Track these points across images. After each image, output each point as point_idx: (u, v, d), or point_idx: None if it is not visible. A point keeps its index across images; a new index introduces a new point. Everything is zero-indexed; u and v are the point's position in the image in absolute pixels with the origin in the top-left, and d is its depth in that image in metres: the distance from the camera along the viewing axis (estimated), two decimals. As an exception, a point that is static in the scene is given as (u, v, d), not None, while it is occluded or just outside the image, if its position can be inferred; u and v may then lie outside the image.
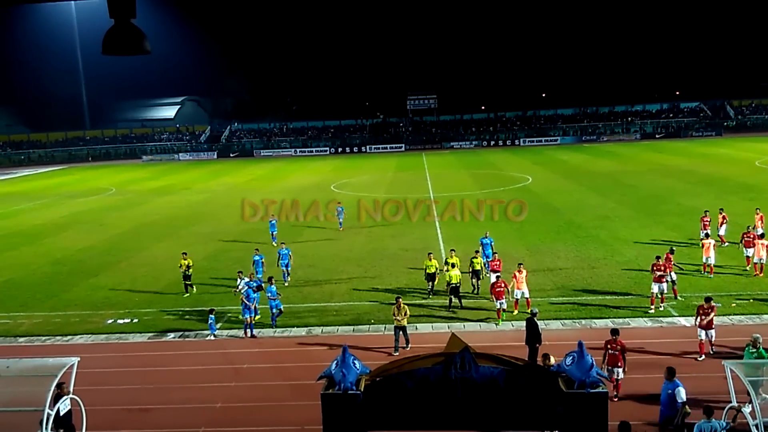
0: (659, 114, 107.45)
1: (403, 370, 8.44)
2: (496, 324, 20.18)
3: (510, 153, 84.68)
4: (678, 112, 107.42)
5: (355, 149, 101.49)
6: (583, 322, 20.29)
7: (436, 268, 22.97)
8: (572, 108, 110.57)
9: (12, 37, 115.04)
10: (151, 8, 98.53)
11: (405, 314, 18.36)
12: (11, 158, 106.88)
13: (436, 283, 22.97)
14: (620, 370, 14.71)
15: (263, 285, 22.30)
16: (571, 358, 8.21)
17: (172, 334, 20.87)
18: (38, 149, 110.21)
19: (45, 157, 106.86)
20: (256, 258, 25.29)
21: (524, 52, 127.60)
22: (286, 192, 53.81)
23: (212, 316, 20.41)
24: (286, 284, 25.08)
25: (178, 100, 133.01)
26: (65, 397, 12.62)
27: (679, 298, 21.53)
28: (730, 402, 11.18)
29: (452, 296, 21.84)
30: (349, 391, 8.11)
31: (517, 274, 21.12)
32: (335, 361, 8.48)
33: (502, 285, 20.36)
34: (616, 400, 14.27)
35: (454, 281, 21.60)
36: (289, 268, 25.70)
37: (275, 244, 31.22)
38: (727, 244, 27.65)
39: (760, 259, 23.56)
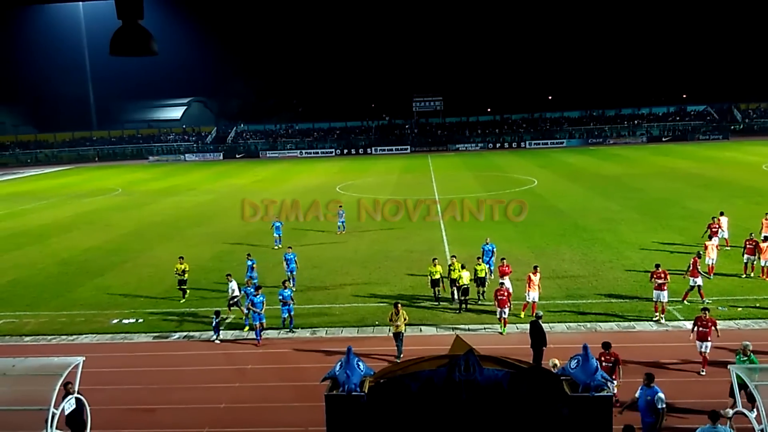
0: (666, 117, 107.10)
1: (407, 372, 8.43)
2: (501, 333, 19.73)
3: (516, 155, 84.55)
4: (685, 115, 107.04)
5: (361, 151, 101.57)
6: (588, 325, 20.23)
7: (441, 274, 22.53)
8: (578, 111, 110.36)
9: (20, 37, 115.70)
10: (159, 9, 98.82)
11: (404, 320, 17.98)
12: (18, 158, 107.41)
13: (441, 289, 22.64)
14: (613, 384, 14.32)
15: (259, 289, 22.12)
16: (576, 361, 8.19)
17: (176, 335, 20.92)
18: (45, 149, 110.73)
19: (52, 157, 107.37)
20: (249, 263, 24.76)
21: (530, 54, 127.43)
22: (292, 194, 53.86)
23: (216, 318, 20.22)
24: (293, 289, 24.91)
25: (185, 101, 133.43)
26: (70, 397, 12.66)
27: (706, 301, 21.19)
28: (735, 407, 11.12)
29: (462, 296, 21.85)
30: (353, 393, 8.11)
31: (532, 276, 21.05)
32: (339, 363, 8.48)
33: (505, 293, 19.78)
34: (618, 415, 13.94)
35: (463, 282, 21.70)
36: (295, 273, 25.28)
37: (278, 247, 31.07)
38: (729, 247, 27.58)
39: (766, 262, 23.53)
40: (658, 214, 37.03)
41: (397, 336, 17.90)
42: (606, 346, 14.72)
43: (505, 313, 19.64)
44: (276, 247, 31.47)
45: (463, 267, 22.11)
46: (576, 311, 21.29)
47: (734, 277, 23.79)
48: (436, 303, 22.56)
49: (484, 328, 20.25)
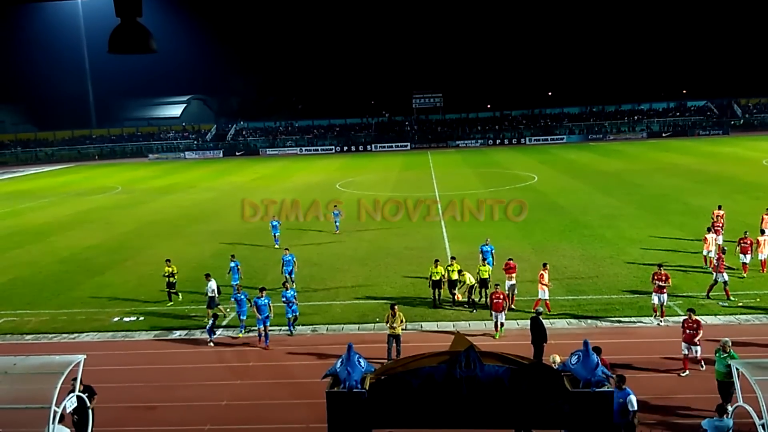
0: (666, 112, 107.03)
1: (408, 368, 8.44)
2: (495, 337, 19.04)
3: (516, 152, 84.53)
4: (685, 110, 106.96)
5: (361, 148, 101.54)
6: (589, 321, 20.25)
7: (442, 276, 22.02)
8: (578, 106, 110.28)
9: (19, 36, 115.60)
10: (158, 7, 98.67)
11: (401, 321, 17.65)
12: (18, 156, 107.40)
13: (442, 291, 22.22)
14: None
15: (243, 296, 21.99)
16: (576, 357, 8.19)
17: (177, 332, 20.94)
18: (45, 147, 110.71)
19: (52, 156, 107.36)
20: (232, 264, 24.11)
21: (530, 50, 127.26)
22: (292, 191, 53.87)
23: (212, 320, 19.82)
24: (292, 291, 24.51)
25: (184, 98, 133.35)
26: (71, 395, 12.67)
27: (732, 298, 21.12)
28: (737, 401, 11.13)
29: (468, 297, 21.77)
30: (354, 390, 8.11)
31: (544, 273, 21.02)
32: (340, 360, 8.48)
33: (501, 296, 18.99)
34: None
35: (468, 281, 21.69)
36: (293, 275, 24.54)
37: (277, 247, 30.96)
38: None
39: (763, 255, 23.93)
40: (658, 210, 37.03)
41: (395, 338, 17.48)
42: (597, 351, 14.40)
43: (501, 317, 18.94)
44: (276, 246, 31.33)
45: (461, 272, 21.92)
46: (576, 307, 21.30)
47: (734, 271, 23.71)
48: (437, 305, 22.05)
49: (485, 324, 20.24)
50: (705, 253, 24.86)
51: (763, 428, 10.06)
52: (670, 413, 14.08)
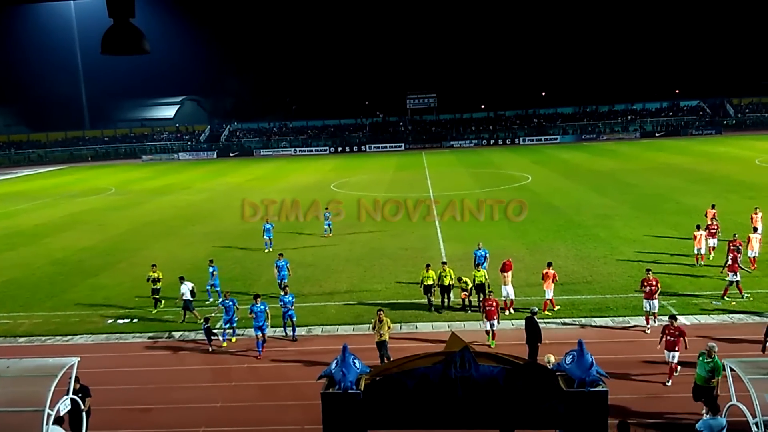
0: (659, 112, 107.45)
1: (403, 369, 8.44)
2: (489, 346, 18.29)
3: (510, 152, 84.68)
4: (678, 110, 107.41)
5: (355, 148, 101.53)
6: (583, 321, 20.29)
7: (434, 281, 21.64)
8: (572, 107, 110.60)
9: (12, 37, 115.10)
10: (151, 8, 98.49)
11: (388, 328, 17.21)
12: (11, 158, 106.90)
13: (434, 295, 21.83)
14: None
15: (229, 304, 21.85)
16: (571, 356, 8.21)
17: (172, 335, 20.85)
18: (38, 149, 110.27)
19: (45, 157, 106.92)
20: (210, 269, 23.70)
21: (524, 50, 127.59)
22: (287, 192, 53.81)
23: (206, 325, 19.31)
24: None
25: (178, 99, 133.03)
26: (65, 397, 12.62)
27: (746, 296, 21.13)
28: (731, 400, 11.18)
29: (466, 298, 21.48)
30: (350, 391, 8.11)
31: (547, 272, 21.05)
32: (335, 361, 8.48)
33: (494, 303, 18.45)
34: None
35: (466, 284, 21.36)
36: (287, 281, 23.42)
37: (269, 250, 30.47)
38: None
39: (754, 253, 24.27)
40: (652, 210, 37.17)
41: (381, 345, 17.04)
42: None
43: (494, 325, 18.41)
44: (267, 250, 30.78)
45: (460, 279, 21.48)
46: (571, 307, 21.35)
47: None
48: (443, 306, 21.73)
49: (480, 324, 20.24)
50: (696, 250, 25.30)
51: (757, 426, 10.11)
52: (664, 412, 14.12)
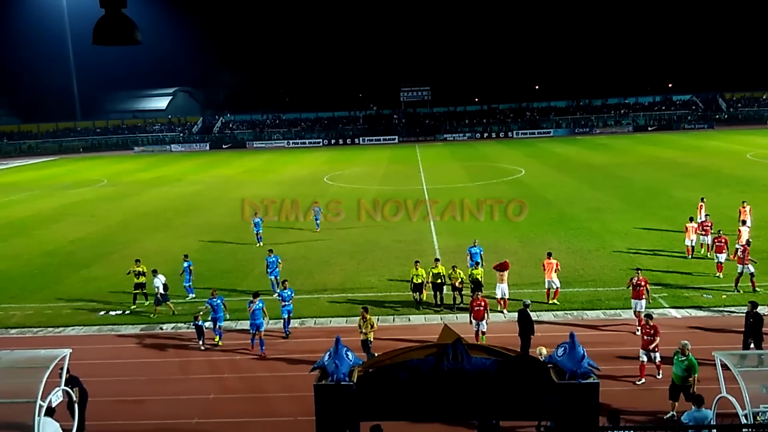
0: (652, 106, 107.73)
1: (395, 361, 8.45)
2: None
3: (503, 145, 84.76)
4: (670, 104, 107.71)
5: (349, 141, 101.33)
6: (575, 313, 20.40)
7: (423, 279, 21.13)
8: (565, 100, 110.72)
9: (2, 27, 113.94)
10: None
11: (372, 327, 16.98)
12: (2, 149, 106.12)
13: (425, 295, 21.37)
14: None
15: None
16: (562, 349, 8.23)
17: (164, 326, 20.84)
18: (29, 140, 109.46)
19: (36, 148, 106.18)
20: (185, 265, 23.33)
21: (518, 44, 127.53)
22: (280, 184, 53.73)
23: (195, 322, 18.93)
24: (275, 295, 22.22)
25: (170, 91, 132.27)
26: (57, 389, 12.59)
27: (757, 290, 21.14)
28: (720, 393, 11.27)
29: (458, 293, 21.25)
30: (342, 383, 8.12)
31: (545, 263, 21.10)
32: (328, 353, 8.47)
33: (482, 304, 18.00)
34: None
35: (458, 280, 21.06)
36: (278, 277, 23.16)
37: (260, 245, 30.11)
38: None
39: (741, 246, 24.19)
40: (644, 204, 37.33)
41: (364, 344, 16.80)
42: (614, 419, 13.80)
43: (482, 326, 17.96)
44: (258, 245, 30.42)
45: (455, 268, 21.15)
46: (563, 299, 21.44)
47: (719, 265, 23.92)
48: (420, 308, 21.23)
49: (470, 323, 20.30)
50: (687, 242, 25.61)
51: (746, 418, 10.20)
52: (654, 404, 14.22)
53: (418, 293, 21.28)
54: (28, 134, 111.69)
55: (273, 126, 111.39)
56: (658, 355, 15.28)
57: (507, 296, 20.61)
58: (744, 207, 28.16)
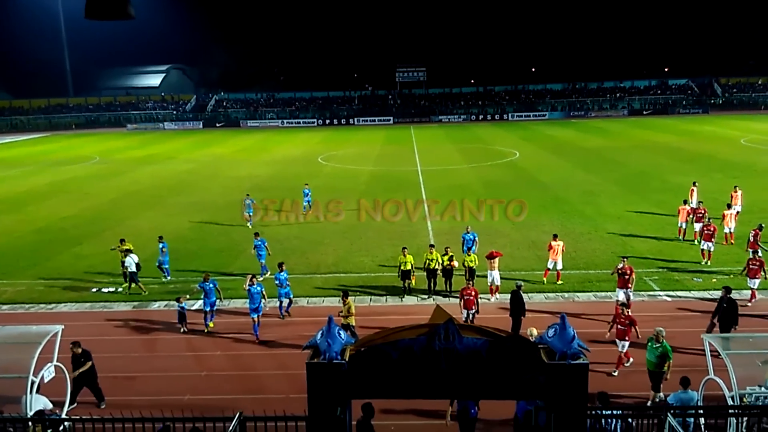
0: (647, 90, 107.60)
1: (387, 340, 8.50)
2: None
3: (498, 127, 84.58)
4: (666, 88, 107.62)
5: (343, 121, 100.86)
6: (566, 295, 20.53)
7: (412, 266, 20.68)
8: (561, 83, 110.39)
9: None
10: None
11: (349, 312, 16.63)
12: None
13: (412, 281, 20.93)
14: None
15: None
16: (553, 330, 8.29)
17: (156, 304, 20.85)
18: (20, 116, 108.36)
19: (27, 124, 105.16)
20: (160, 246, 22.99)
21: (515, 26, 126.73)
22: (273, 164, 53.55)
23: (179, 305, 18.50)
24: (262, 277, 22.41)
25: (164, 68, 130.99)
26: (49, 365, 12.63)
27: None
28: (708, 374, 11.42)
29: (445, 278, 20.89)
30: (334, 361, 8.17)
31: (552, 244, 21.24)
32: (321, 332, 8.51)
33: (472, 293, 17.61)
34: None
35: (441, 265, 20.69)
36: (264, 261, 22.89)
37: (250, 227, 29.66)
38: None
39: (730, 229, 24.97)
40: (637, 188, 37.43)
41: (345, 329, 16.62)
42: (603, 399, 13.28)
43: (472, 315, 17.55)
44: (249, 226, 29.88)
45: (451, 258, 20.65)
46: (554, 281, 21.56)
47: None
48: (405, 295, 20.74)
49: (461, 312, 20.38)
50: (679, 224, 26.02)
51: (733, 400, 10.35)
52: (642, 385, 14.37)
53: (406, 281, 20.79)
54: (20, 110, 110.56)
55: (267, 105, 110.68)
56: (626, 344, 15.16)
57: (498, 283, 20.23)
58: (735, 192, 28.42)
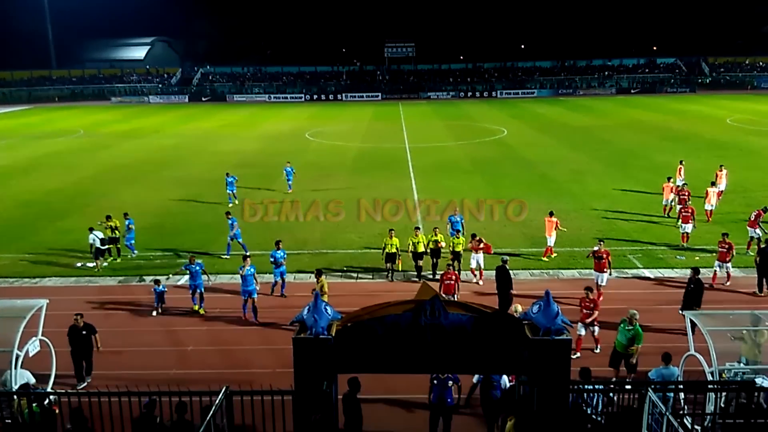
0: (636, 69, 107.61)
1: (374, 316, 8.55)
2: None
3: (487, 105, 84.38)
4: (654, 67, 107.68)
5: (331, 97, 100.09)
6: (551, 272, 20.72)
7: (398, 249, 20.06)
8: (550, 61, 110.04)
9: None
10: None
11: (323, 290, 16.24)
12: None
13: (397, 265, 20.37)
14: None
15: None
16: (537, 306, 8.39)
17: (142, 279, 20.77)
18: (2, 88, 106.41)
19: (9, 97, 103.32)
20: (127, 222, 22.76)
21: (504, 2, 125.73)
22: (261, 139, 53.15)
23: (157, 287, 18.17)
24: (227, 256, 22.45)
25: (148, 40, 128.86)
26: (34, 338, 12.58)
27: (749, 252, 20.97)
28: (689, 350, 11.61)
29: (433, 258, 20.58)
30: (321, 336, 8.22)
31: (547, 221, 21.56)
32: (307, 307, 8.55)
33: (453, 277, 17.31)
34: None
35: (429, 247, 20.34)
36: (240, 239, 22.46)
37: (232, 204, 29.37)
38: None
39: (711, 206, 25.46)
40: (624, 166, 37.63)
41: None
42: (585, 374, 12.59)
43: (452, 299, 16.51)
44: (231, 205, 29.50)
45: (437, 243, 20.33)
46: (539, 258, 21.73)
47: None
48: (392, 281, 20.25)
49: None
50: (664, 202, 26.54)
51: (712, 375, 10.54)
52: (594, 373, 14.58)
53: (390, 263, 20.18)
54: (2, 82, 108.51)
55: (254, 79, 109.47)
56: (597, 328, 15.05)
57: (482, 266, 19.96)
58: (721, 170, 28.71)
